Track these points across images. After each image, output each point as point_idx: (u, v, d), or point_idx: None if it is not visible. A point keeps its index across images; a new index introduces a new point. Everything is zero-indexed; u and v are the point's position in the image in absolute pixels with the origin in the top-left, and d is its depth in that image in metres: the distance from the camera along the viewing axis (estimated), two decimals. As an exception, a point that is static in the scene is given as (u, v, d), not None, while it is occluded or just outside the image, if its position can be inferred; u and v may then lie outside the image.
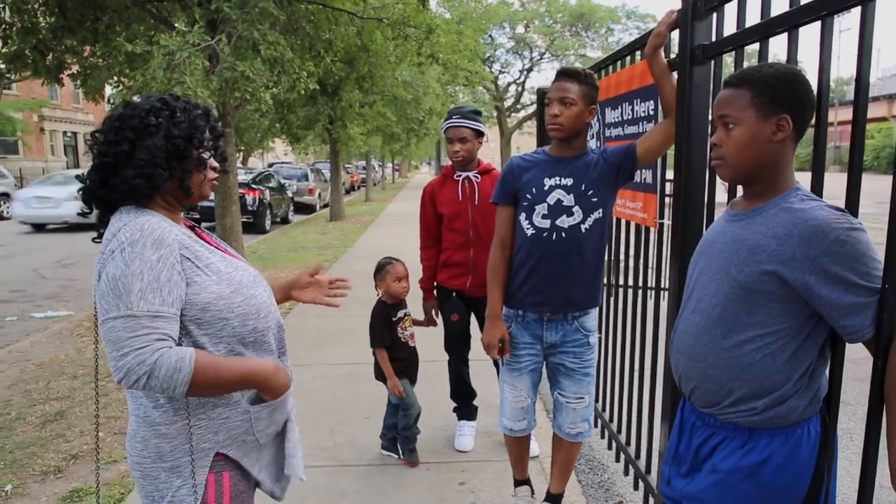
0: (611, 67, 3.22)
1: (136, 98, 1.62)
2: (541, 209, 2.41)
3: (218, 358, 1.46)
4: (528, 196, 2.45)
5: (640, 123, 2.74)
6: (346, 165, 30.14)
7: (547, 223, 2.41)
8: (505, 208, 2.53)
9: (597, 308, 2.59)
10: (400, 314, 3.29)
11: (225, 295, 1.48)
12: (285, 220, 17.30)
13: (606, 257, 3.43)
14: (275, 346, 1.67)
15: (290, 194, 18.28)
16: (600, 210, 2.42)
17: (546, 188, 2.42)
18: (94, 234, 1.56)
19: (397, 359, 3.26)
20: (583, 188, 2.40)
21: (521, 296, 2.51)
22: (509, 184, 2.51)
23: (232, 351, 1.52)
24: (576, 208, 2.39)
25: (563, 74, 2.42)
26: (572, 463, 2.77)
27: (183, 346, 1.41)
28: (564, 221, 2.40)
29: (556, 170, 2.44)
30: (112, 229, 1.44)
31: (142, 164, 1.44)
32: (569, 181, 2.41)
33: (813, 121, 1.66)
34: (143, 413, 1.50)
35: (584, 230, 2.40)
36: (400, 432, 3.33)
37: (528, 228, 2.44)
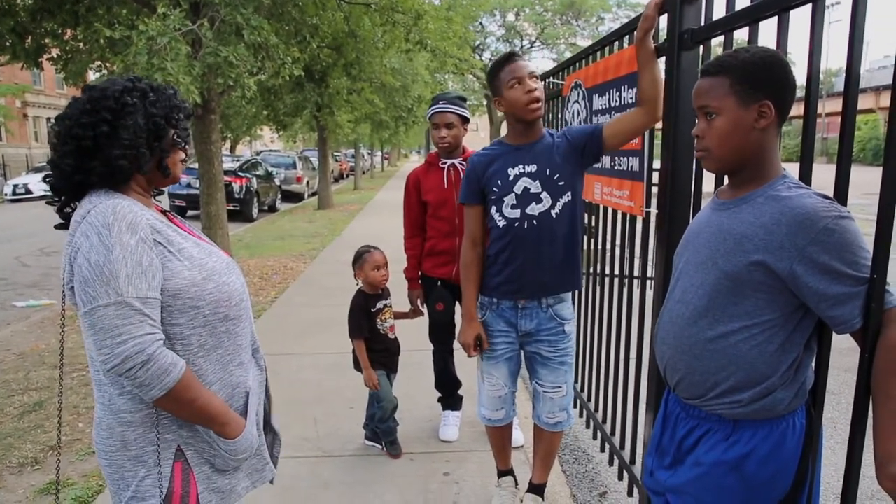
0: (598, 54, 3.17)
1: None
2: (509, 200, 2.39)
3: (202, 386, 1.46)
4: (494, 189, 2.41)
5: (628, 110, 2.70)
6: (335, 153, 29.94)
7: (517, 213, 2.38)
8: (473, 207, 2.50)
9: (571, 296, 2.56)
10: (380, 305, 3.24)
11: (197, 281, 1.46)
12: (273, 209, 17.19)
13: (593, 246, 3.42)
14: (247, 339, 1.64)
15: (277, 182, 18.15)
16: (569, 193, 2.38)
17: (511, 178, 2.39)
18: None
19: (376, 350, 3.21)
20: (548, 173, 2.37)
21: (495, 285, 2.48)
22: (474, 181, 2.47)
23: (204, 346, 1.49)
24: (544, 194, 2.36)
25: (517, 55, 2.41)
26: (554, 453, 2.75)
27: (175, 354, 1.40)
28: (534, 209, 2.37)
29: (519, 158, 2.40)
30: (81, 211, 1.42)
31: (126, 144, 1.43)
32: (533, 167, 2.38)
33: (801, 110, 1.63)
34: (108, 401, 1.47)
35: (554, 215, 2.37)
36: (377, 425, 3.29)
37: (499, 220, 2.42)
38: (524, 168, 2.38)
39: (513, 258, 2.41)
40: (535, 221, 2.37)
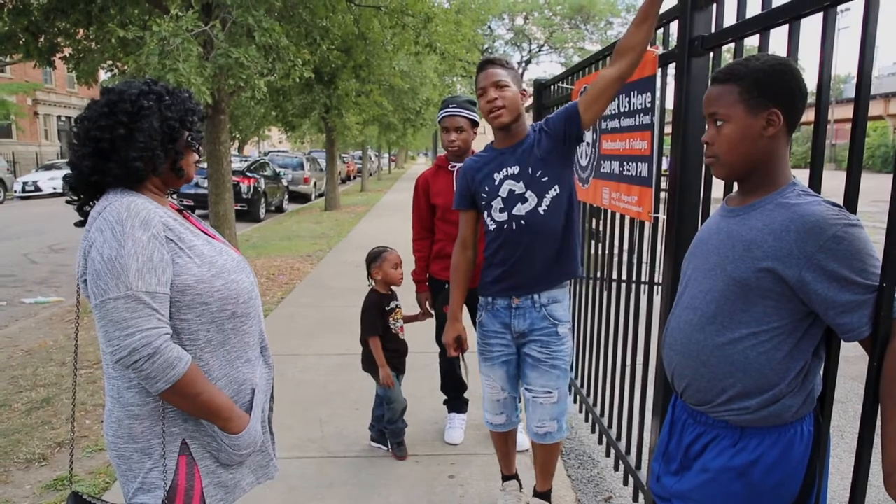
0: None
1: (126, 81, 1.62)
2: (496, 203, 2.43)
3: (206, 380, 1.49)
4: (483, 195, 2.47)
5: (637, 116, 2.70)
6: (343, 155, 30.00)
7: (504, 215, 2.42)
8: (465, 212, 2.56)
9: (567, 297, 2.53)
10: (392, 305, 3.26)
11: (205, 278, 1.49)
12: (280, 209, 17.23)
13: (601, 251, 3.42)
14: (256, 336, 1.67)
15: (285, 183, 18.20)
16: (556, 187, 2.39)
17: (497, 182, 2.43)
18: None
19: (388, 349, 3.23)
20: (530, 172, 2.39)
21: (489, 283, 2.52)
22: (465, 188, 2.53)
23: (211, 341, 1.52)
24: (528, 193, 2.39)
25: (489, 63, 2.43)
26: (552, 461, 2.71)
27: (181, 349, 1.44)
28: (520, 209, 2.40)
29: (503, 162, 2.44)
30: (98, 207, 1.46)
31: (142, 147, 1.47)
32: (515, 169, 2.41)
33: (811, 116, 1.64)
34: (117, 394, 1.51)
35: (542, 212, 2.39)
36: (386, 426, 3.30)
37: (490, 224, 2.47)
38: (508, 171, 2.42)
39: (506, 258, 2.44)
40: (522, 222, 2.39)
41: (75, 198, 1.56)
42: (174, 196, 1.74)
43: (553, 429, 2.53)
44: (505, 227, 2.42)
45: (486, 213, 2.47)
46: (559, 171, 2.40)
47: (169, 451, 1.50)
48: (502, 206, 2.41)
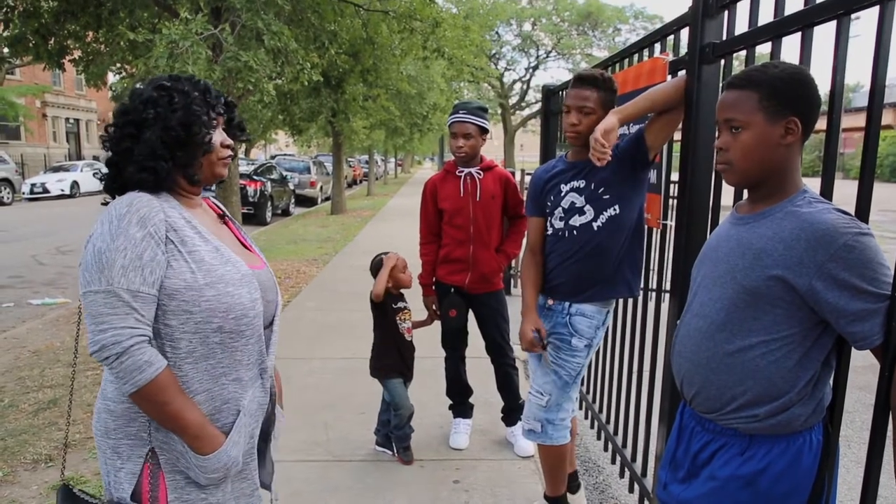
0: (617, 66, 3.18)
1: (139, 85, 1.59)
2: (558, 213, 2.50)
3: (180, 391, 1.42)
4: (548, 203, 2.55)
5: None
6: (349, 159, 30.04)
7: (562, 224, 2.49)
8: (533, 219, 2.63)
9: (601, 315, 2.51)
10: (400, 304, 3.27)
11: (196, 286, 1.43)
12: (286, 213, 17.27)
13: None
14: (252, 356, 1.57)
15: (291, 187, 18.24)
16: (616, 206, 2.40)
17: (562, 194, 2.49)
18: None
19: (397, 349, 3.25)
20: (593, 187, 2.42)
21: (543, 282, 2.59)
22: (534, 196, 2.61)
23: (193, 352, 1.45)
24: (587, 207, 2.43)
25: (581, 81, 2.40)
26: (547, 463, 2.67)
27: (158, 354, 1.39)
28: (576, 220, 2.45)
29: (572, 175, 2.49)
30: (113, 200, 1.46)
31: (140, 160, 1.43)
32: (581, 183, 2.45)
33: (822, 125, 1.63)
34: (103, 385, 1.51)
35: (596, 227, 2.42)
36: (393, 431, 3.30)
37: (549, 230, 2.55)
38: (574, 184, 2.47)
39: (552, 263, 2.52)
40: (574, 232, 2.45)
41: (111, 198, 1.51)
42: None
43: (536, 429, 2.55)
44: (559, 234, 2.49)
45: (548, 220, 2.56)
46: (624, 192, 2.41)
47: (136, 455, 1.46)
48: (562, 215, 2.48)
